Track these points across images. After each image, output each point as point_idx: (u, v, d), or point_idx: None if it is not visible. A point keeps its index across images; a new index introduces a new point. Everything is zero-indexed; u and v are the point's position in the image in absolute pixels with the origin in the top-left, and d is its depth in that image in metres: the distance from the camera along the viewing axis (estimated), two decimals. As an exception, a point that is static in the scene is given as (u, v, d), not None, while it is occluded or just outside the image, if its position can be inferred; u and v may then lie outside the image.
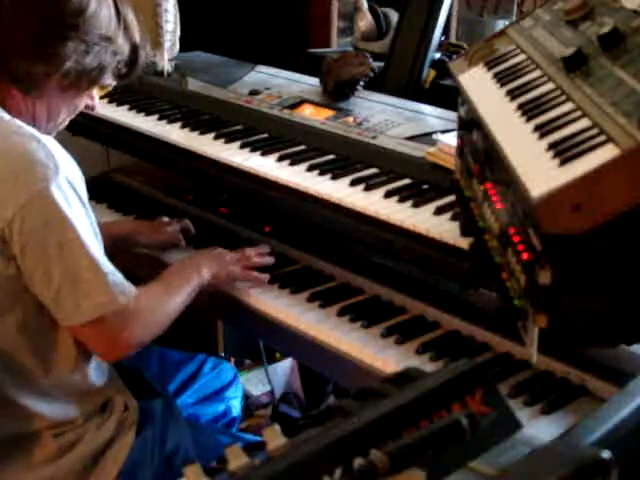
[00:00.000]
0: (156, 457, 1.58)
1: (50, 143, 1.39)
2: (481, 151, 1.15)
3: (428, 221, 1.44)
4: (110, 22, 1.46)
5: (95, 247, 1.40)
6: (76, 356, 1.50)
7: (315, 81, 2.07)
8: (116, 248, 1.64)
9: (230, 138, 1.87)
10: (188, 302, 1.56)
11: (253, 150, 1.81)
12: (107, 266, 1.40)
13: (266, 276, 1.68)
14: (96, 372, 1.55)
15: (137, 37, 1.53)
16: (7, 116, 1.44)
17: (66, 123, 1.57)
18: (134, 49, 1.53)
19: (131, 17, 1.52)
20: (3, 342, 1.44)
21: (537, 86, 1.09)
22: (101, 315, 1.39)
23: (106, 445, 1.53)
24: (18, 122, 1.43)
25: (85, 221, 1.39)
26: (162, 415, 1.63)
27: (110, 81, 1.55)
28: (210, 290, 1.63)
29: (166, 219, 1.92)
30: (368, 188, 1.59)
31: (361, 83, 1.97)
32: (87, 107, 1.58)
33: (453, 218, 1.43)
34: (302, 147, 1.82)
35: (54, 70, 1.43)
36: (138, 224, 1.93)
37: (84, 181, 1.44)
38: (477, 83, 1.24)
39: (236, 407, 1.98)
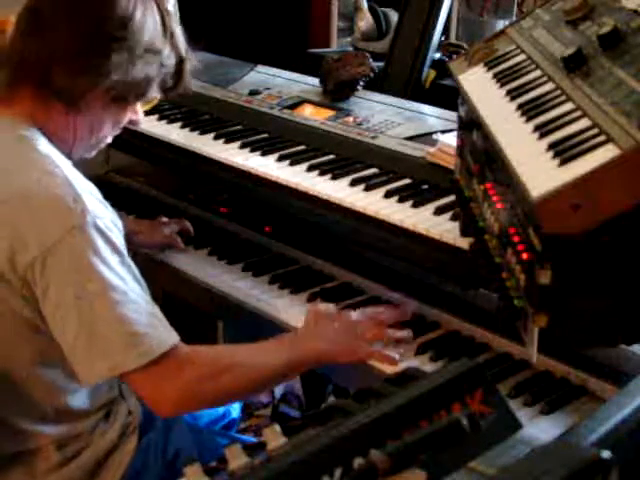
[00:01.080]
0: (159, 462, 1.56)
1: (82, 186, 1.32)
2: (481, 151, 1.15)
3: (428, 221, 1.44)
4: (156, 33, 1.41)
5: (120, 301, 1.28)
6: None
7: (315, 81, 2.07)
8: None
9: (230, 138, 1.87)
10: (276, 375, 1.39)
11: (253, 150, 1.81)
12: (131, 324, 1.28)
13: (408, 347, 1.44)
14: (98, 392, 1.50)
15: (183, 49, 1.48)
16: (45, 149, 1.37)
17: (109, 140, 1.51)
18: (180, 61, 1.47)
19: (178, 29, 1.47)
20: (14, 374, 1.40)
21: (537, 86, 1.09)
22: (117, 373, 1.30)
23: (109, 451, 1.51)
24: (54, 158, 1.35)
25: (117, 269, 1.30)
26: (163, 420, 1.62)
27: (156, 94, 1.49)
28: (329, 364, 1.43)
29: (165, 219, 1.91)
30: (368, 188, 1.59)
31: (361, 83, 1.97)
32: (131, 122, 1.52)
33: (453, 218, 1.43)
34: (302, 147, 1.82)
35: (99, 83, 1.37)
36: (137, 224, 1.92)
37: (120, 228, 1.35)
38: (477, 83, 1.24)
39: (235, 409, 1.97)
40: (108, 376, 1.31)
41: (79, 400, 1.47)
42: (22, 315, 1.33)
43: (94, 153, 1.53)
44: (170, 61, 1.45)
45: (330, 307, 1.50)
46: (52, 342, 1.33)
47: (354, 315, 1.47)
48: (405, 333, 1.46)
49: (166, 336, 1.31)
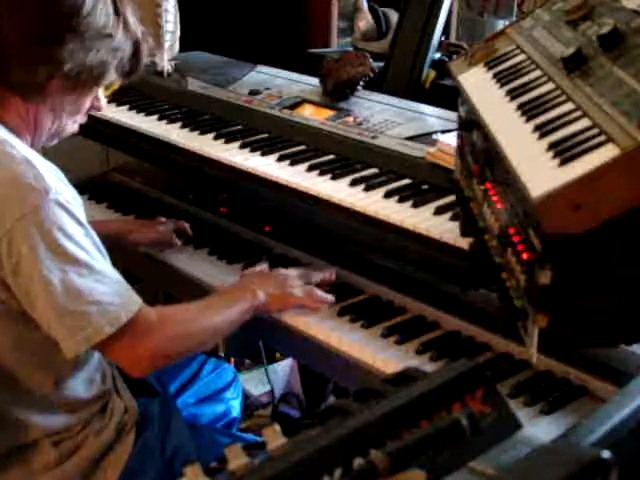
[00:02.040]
0: (157, 460, 1.57)
1: (41, 165, 1.35)
2: (481, 151, 1.15)
3: (428, 221, 1.44)
4: (108, 18, 1.43)
5: (84, 273, 1.33)
6: (71, 369, 1.48)
7: (315, 81, 2.07)
8: (109, 246, 1.63)
9: (230, 138, 1.87)
10: (232, 324, 1.51)
11: (253, 150, 1.81)
12: (93, 294, 1.33)
13: (331, 298, 1.60)
14: (91, 383, 1.53)
15: (138, 32, 1.50)
16: (1, 136, 1.39)
17: (75, 128, 1.53)
18: (136, 44, 1.49)
19: (130, 12, 1.48)
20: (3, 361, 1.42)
21: (537, 86, 1.09)
22: (93, 344, 1.35)
23: (106, 450, 1.52)
24: (11, 142, 1.38)
25: (82, 242, 1.34)
26: (161, 416, 1.63)
27: (115, 79, 1.51)
28: (265, 314, 1.57)
29: (163, 219, 1.92)
30: (368, 188, 1.59)
31: (361, 83, 1.97)
32: (94, 108, 1.54)
33: (453, 218, 1.43)
34: (302, 147, 1.82)
35: (55, 71, 1.39)
36: (131, 223, 1.93)
37: (80, 202, 1.40)
38: (477, 83, 1.24)
39: (236, 408, 1.98)
40: (85, 347, 1.35)
41: (72, 389, 1.48)
42: None
43: (56, 141, 1.54)
44: (125, 45, 1.47)
45: (264, 267, 1.71)
46: (31, 327, 1.37)
47: (285, 271, 1.63)
48: (329, 297, 1.60)
49: (132, 301, 1.37)
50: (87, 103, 1.51)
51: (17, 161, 1.34)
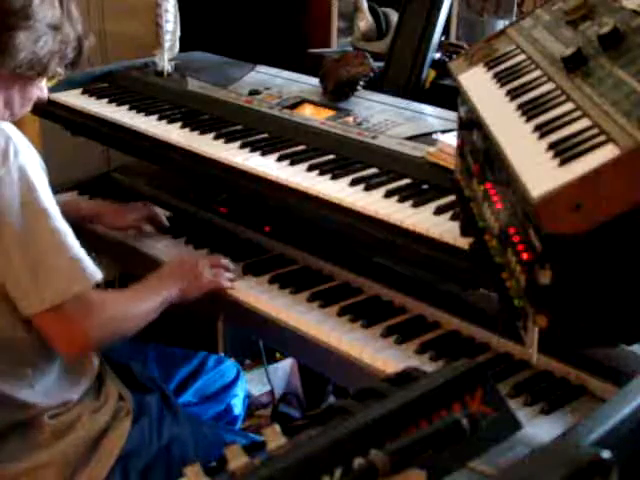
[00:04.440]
0: (153, 446, 1.59)
1: (8, 128, 1.42)
2: (481, 151, 1.15)
3: (428, 221, 1.44)
4: (55, 11, 1.50)
5: (60, 230, 1.42)
6: None
7: (315, 81, 2.07)
8: (81, 226, 1.67)
9: (230, 138, 1.87)
10: (155, 313, 1.58)
11: (253, 150, 1.81)
12: (72, 250, 1.42)
13: (231, 275, 1.70)
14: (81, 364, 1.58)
15: (80, 27, 1.57)
16: None
17: (19, 117, 1.59)
18: (79, 38, 1.57)
19: (74, 7, 1.56)
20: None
21: (537, 86, 1.09)
22: (61, 302, 1.41)
23: (102, 432, 1.55)
24: None
25: (49, 204, 1.41)
26: (158, 408, 1.64)
27: (60, 70, 1.57)
28: (181, 302, 1.64)
29: (139, 204, 1.99)
30: (368, 188, 1.59)
31: (361, 83, 1.97)
32: (38, 99, 1.60)
33: (453, 218, 1.43)
34: (302, 147, 1.81)
35: (5, 63, 1.45)
36: (104, 206, 2.02)
37: (42, 167, 1.47)
38: (477, 83, 1.24)
39: (238, 406, 1.98)
40: (53, 302, 1.40)
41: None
42: None
43: None
44: (70, 37, 1.54)
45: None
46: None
47: (196, 259, 1.73)
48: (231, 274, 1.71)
49: (97, 272, 1.46)
50: (33, 93, 1.57)
51: None
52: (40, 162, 1.47)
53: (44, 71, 1.53)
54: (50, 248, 1.40)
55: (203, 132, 1.92)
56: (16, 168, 1.38)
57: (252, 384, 2.72)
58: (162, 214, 1.99)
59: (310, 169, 1.69)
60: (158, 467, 1.58)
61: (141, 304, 1.56)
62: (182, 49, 2.34)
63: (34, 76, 1.53)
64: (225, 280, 1.68)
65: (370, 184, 1.59)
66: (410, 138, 1.75)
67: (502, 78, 1.19)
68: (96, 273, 1.45)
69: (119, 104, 2.13)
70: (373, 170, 1.68)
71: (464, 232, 1.32)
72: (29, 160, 1.41)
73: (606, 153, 0.83)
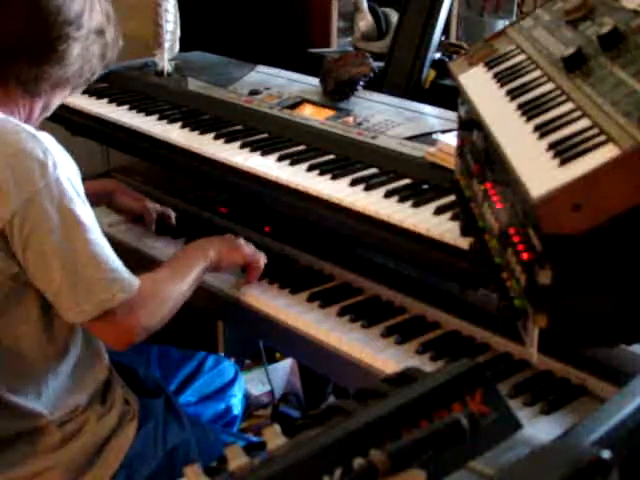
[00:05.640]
0: (158, 451, 1.59)
1: (46, 139, 1.40)
2: (481, 151, 1.15)
3: (428, 221, 1.44)
4: (99, 16, 1.52)
5: (97, 242, 1.40)
6: (71, 345, 1.52)
7: (315, 81, 2.07)
8: (96, 202, 1.66)
9: (230, 138, 1.87)
10: (195, 285, 1.57)
11: (253, 150, 1.81)
12: (109, 262, 1.40)
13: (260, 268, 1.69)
14: (92, 359, 1.57)
15: (118, 27, 1.59)
16: (2, 116, 1.44)
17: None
18: (117, 38, 1.59)
19: (110, 8, 1.57)
20: (7, 338, 1.45)
21: (537, 86, 1.09)
22: (103, 311, 1.40)
23: (108, 437, 1.54)
24: (11, 119, 1.43)
25: (87, 216, 1.40)
26: (163, 412, 1.64)
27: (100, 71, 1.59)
28: (217, 271, 1.65)
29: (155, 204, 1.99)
30: (368, 188, 1.59)
31: (361, 83, 1.97)
32: None
33: (453, 218, 1.43)
34: (302, 147, 1.81)
35: (64, 71, 1.47)
36: (112, 183, 2.02)
37: (80, 176, 1.46)
38: (477, 83, 1.24)
39: (237, 406, 1.98)
40: (94, 314, 1.39)
41: (71, 365, 1.53)
42: (6, 274, 1.39)
43: None
44: (111, 39, 1.57)
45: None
46: (39, 304, 1.43)
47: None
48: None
49: (127, 273, 1.43)
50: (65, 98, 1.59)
51: (24, 136, 1.38)
52: (77, 170, 1.45)
53: (92, 77, 1.56)
54: (89, 261, 1.38)
55: (203, 132, 1.92)
56: (55, 181, 1.36)
57: (252, 384, 2.72)
58: (173, 216, 1.98)
59: (310, 169, 1.69)
60: (162, 472, 1.58)
61: (179, 283, 1.53)
62: (182, 49, 2.34)
63: (82, 83, 1.55)
64: (264, 260, 1.69)
65: (370, 184, 1.59)
66: (410, 138, 1.75)
67: (502, 78, 1.19)
68: (134, 282, 1.43)
69: (119, 104, 2.13)
70: (373, 170, 1.68)
71: (464, 232, 1.32)
72: (68, 172, 1.39)
73: (606, 153, 0.83)
